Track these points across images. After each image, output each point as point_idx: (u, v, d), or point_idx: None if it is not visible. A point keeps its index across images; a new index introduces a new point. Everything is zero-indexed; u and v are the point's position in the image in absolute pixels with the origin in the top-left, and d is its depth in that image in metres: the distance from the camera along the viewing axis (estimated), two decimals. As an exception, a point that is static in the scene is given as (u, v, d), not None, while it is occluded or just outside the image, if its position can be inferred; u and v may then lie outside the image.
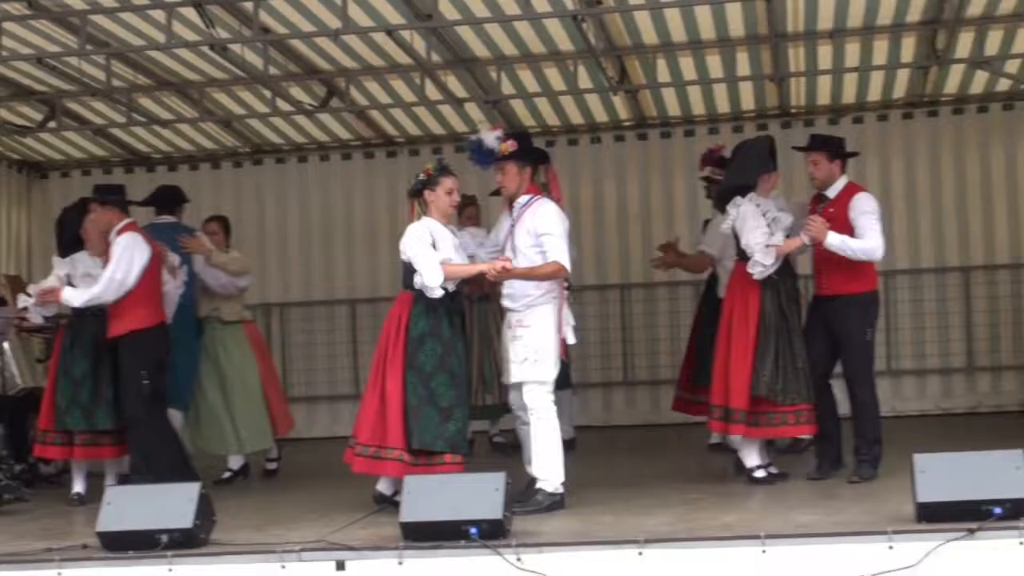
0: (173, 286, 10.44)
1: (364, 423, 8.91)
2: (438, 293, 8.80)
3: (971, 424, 12.64)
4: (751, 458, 9.53)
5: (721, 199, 9.80)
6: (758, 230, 9.38)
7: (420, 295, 8.85)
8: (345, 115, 13.42)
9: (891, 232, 13.12)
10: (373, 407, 8.89)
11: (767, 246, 9.32)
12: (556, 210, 9.14)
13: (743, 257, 9.51)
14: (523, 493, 8.76)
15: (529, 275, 8.89)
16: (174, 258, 10.49)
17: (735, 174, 9.72)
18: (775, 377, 9.31)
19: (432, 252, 8.81)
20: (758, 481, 9.41)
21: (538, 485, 8.89)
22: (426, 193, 9.05)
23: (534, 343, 8.93)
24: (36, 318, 10.80)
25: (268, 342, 14.51)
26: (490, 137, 9.40)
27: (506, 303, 9.07)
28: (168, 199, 11.75)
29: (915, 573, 7.03)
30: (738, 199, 9.53)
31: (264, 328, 14.48)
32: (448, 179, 9.09)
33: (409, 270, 8.91)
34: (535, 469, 8.96)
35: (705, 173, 11.44)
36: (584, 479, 10.07)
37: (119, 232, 10.02)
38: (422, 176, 9.08)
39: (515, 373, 8.98)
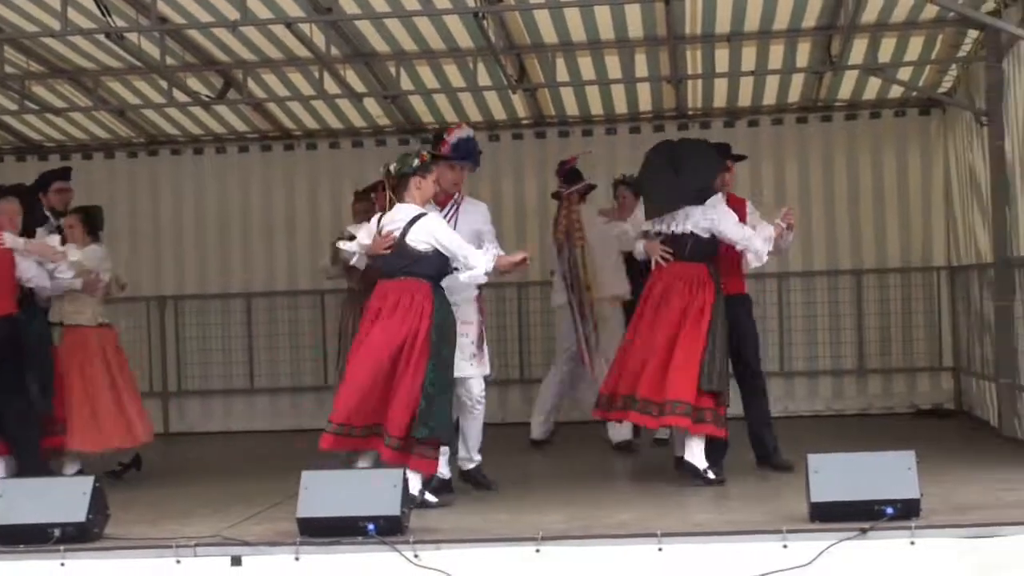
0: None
1: (358, 405, 8.70)
2: (483, 280, 8.92)
3: (862, 425, 12.81)
4: (702, 459, 9.38)
5: (674, 202, 9.76)
6: (742, 225, 9.68)
7: (439, 284, 8.88)
8: (242, 107, 13.32)
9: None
10: (375, 391, 8.69)
11: (766, 238, 9.62)
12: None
13: (695, 257, 9.60)
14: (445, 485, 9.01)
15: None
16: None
17: (698, 177, 9.72)
18: (724, 373, 9.50)
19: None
20: (710, 482, 9.26)
21: (476, 467, 9.35)
22: (415, 179, 8.95)
23: (477, 338, 9.18)
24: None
25: (162, 336, 14.42)
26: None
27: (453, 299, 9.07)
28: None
29: (808, 572, 7.11)
30: (713, 200, 9.63)
31: (158, 321, 14.36)
32: (438, 169, 9.11)
33: (431, 259, 8.83)
34: (477, 453, 9.39)
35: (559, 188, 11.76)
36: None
37: None
38: (416, 161, 8.94)
39: (466, 368, 9.14)
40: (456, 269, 8.88)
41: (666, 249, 9.69)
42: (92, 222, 10.79)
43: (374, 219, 9.13)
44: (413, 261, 8.81)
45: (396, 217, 8.93)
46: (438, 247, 8.80)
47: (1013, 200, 10.81)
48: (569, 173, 11.78)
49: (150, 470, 11.07)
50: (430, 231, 8.82)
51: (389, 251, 8.86)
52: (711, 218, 9.62)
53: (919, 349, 13.81)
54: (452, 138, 9.41)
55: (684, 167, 9.75)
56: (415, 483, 8.52)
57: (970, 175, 12.42)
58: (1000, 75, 11.11)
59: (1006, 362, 11.11)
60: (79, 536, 7.63)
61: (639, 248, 9.95)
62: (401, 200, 8.96)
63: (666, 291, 9.64)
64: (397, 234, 8.86)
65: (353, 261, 9.43)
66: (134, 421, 10.62)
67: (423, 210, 8.92)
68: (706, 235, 9.63)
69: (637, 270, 11.06)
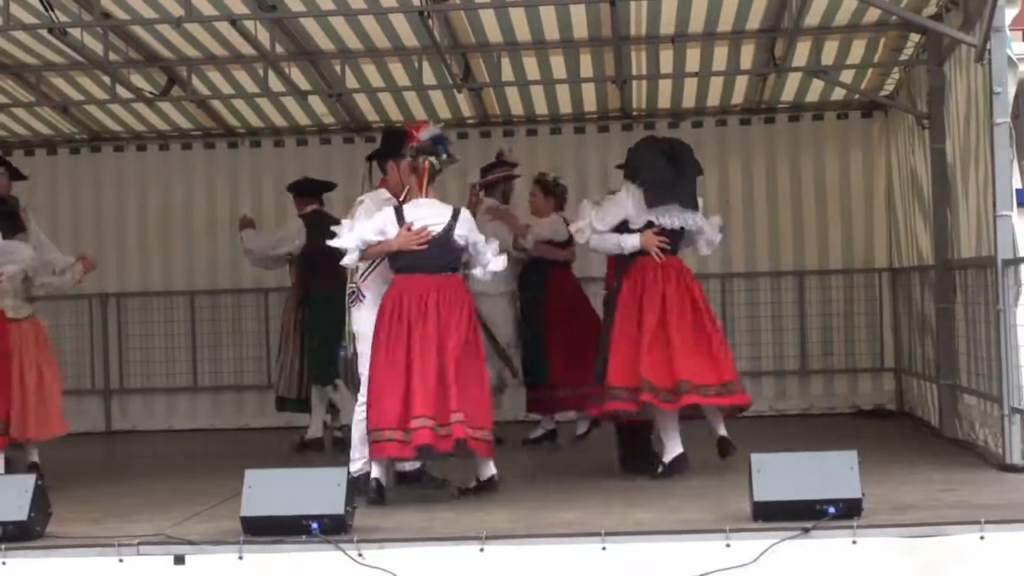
0: None
1: (421, 403, 8.66)
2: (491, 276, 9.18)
3: (804, 425, 12.87)
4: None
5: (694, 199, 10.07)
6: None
7: (465, 279, 9.00)
8: (186, 104, 13.25)
9: (728, 236, 13.40)
10: (431, 387, 8.69)
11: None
12: None
13: (677, 252, 9.91)
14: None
15: None
16: None
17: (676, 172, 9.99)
18: None
19: None
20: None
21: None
22: (405, 163, 9.07)
23: None
24: None
25: (104, 333, 14.33)
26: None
27: None
28: None
29: (751, 571, 7.15)
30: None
31: (100, 319, 14.27)
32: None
33: (463, 254, 8.96)
34: None
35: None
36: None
37: None
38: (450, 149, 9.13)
39: None
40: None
41: (664, 241, 9.80)
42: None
43: (386, 214, 8.98)
44: (456, 256, 8.95)
45: (427, 212, 8.91)
46: (469, 242, 8.95)
47: (954, 203, 10.91)
48: (488, 166, 12.16)
49: (92, 468, 11.01)
50: (471, 227, 8.99)
51: (424, 246, 8.83)
52: (699, 216, 10.01)
53: (861, 350, 13.89)
54: (425, 134, 9.25)
55: (690, 167, 10.08)
56: (488, 470, 8.92)
57: (912, 178, 12.51)
58: (941, 79, 11.19)
59: (947, 364, 11.20)
60: (20, 535, 7.58)
61: (632, 242, 9.80)
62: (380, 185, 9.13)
63: (666, 281, 9.71)
64: (438, 230, 8.85)
65: (348, 260, 9.04)
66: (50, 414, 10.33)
67: (454, 206, 9.07)
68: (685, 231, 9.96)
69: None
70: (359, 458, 9.04)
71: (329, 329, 11.72)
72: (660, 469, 9.57)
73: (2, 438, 9.92)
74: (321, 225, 11.92)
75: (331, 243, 9.03)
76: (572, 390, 11.21)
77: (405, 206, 8.95)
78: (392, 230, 8.88)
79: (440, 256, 8.87)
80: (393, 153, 9.39)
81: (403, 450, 8.70)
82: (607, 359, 9.66)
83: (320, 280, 11.84)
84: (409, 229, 8.83)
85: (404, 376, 8.70)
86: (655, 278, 9.73)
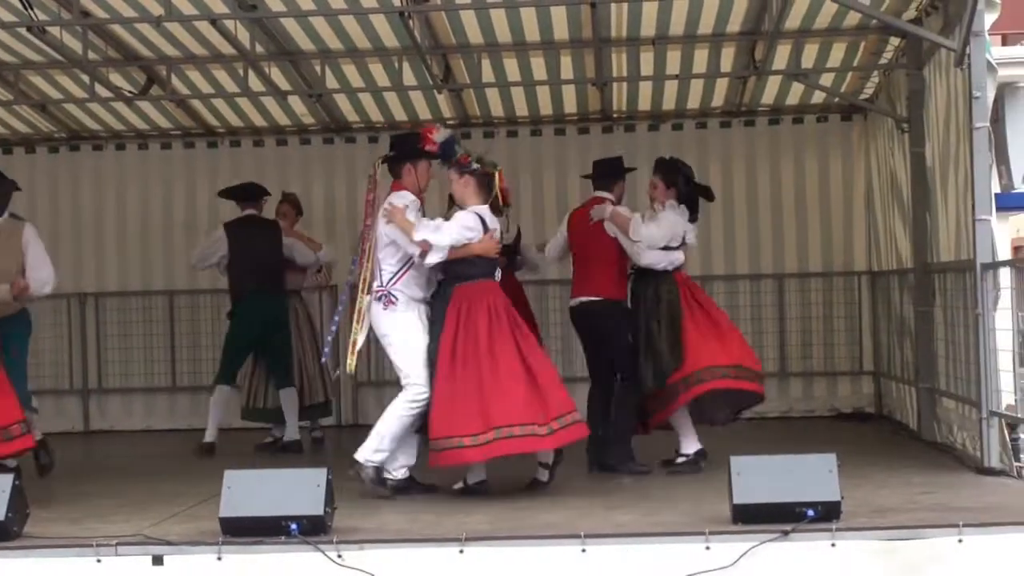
0: None
1: (513, 407, 8.83)
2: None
3: (783, 428, 12.87)
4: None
5: None
6: None
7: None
8: (165, 103, 13.22)
9: (708, 238, 13.46)
10: (521, 388, 8.90)
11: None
12: None
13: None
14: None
15: None
16: None
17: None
18: None
19: None
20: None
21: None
22: (423, 165, 9.31)
23: None
24: None
25: (83, 333, 14.27)
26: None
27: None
28: None
29: (731, 573, 7.17)
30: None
31: (79, 318, 14.22)
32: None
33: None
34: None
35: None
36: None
37: None
38: (460, 151, 9.30)
39: None
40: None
41: None
42: None
43: (472, 217, 9.12)
44: (513, 259, 9.53)
45: (494, 219, 9.24)
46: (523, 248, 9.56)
47: (933, 207, 10.93)
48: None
49: (70, 469, 10.95)
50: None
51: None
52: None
53: (840, 353, 13.92)
54: (439, 136, 9.39)
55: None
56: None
57: (891, 181, 12.54)
58: (921, 82, 11.22)
59: (926, 367, 11.22)
60: (-2, 535, 7.56)
61: (682, 257, 10.39)
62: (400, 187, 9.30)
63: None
64: (498, 234, 9.22)
65: (435, 258, 9.05)
66: None
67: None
68: None
69: None
70: (402, 465, 9.18)
71: (277, 332, 11.82)
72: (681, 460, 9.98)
73: None
74: (250, 230, 11.98)
75: (425, 237, 9.01)
76: None
77: (482, 212, 9.15)
78: (479, 234, 9.08)
79: (499, 260, 9.29)
80: (409, 156, 9.39)
81: (480, 454, 8.87)
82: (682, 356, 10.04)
83: (248, 284, 11.93)
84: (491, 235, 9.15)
85: (490, 384, 8.86)
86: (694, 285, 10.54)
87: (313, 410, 12.38)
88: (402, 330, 9.11)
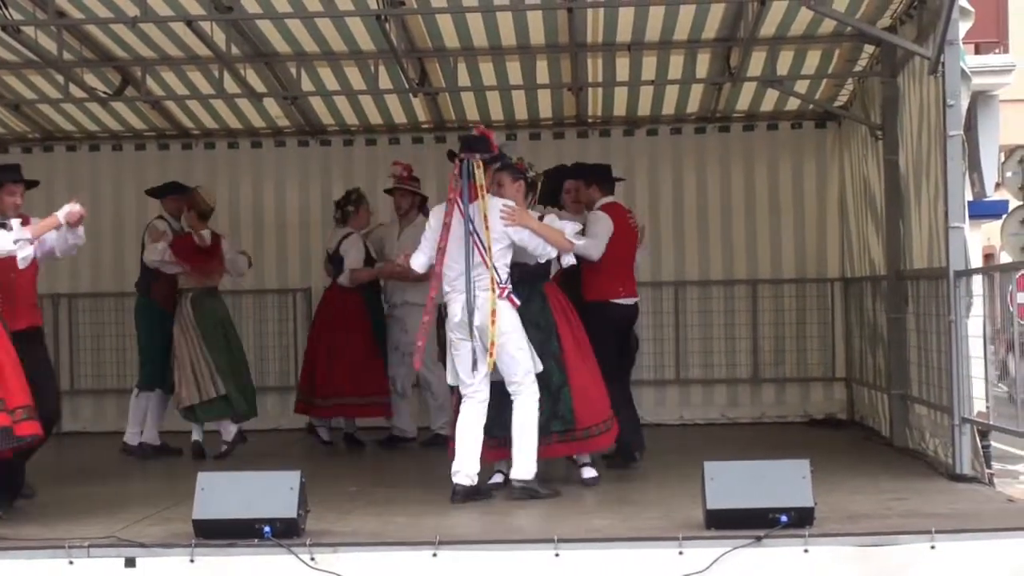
0: None
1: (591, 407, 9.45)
2: None
3: (756, 434, 12.91)
4: None
5: None
6: None
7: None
8: (140, 104, 13.19)
9: (682, 244, 13.48)
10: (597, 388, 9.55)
11: None
12: None
13: None
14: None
15: None
16: None
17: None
18: None
19: None
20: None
21: None
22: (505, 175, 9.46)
23: None
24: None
25: (55, 334, 14.21)
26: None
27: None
28: None
29: (704, 578, 7.20)
30: None
31: (51, 319, 14.14)
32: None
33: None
34: None
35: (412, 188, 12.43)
36: (379, 479, 10.08)
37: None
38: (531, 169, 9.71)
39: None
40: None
41: None
42: None
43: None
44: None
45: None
46: None
47: (906, 214, 10.97)
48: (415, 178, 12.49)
49: (43, 470, 10.88)
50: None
51: None
52: None
53: (813, 359, 13.96)
54: (497, 141, 9.52)
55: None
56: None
57: (865, 188, 12.59)
58: (895, 90, 11.27)
59: (898, 373, 11.26)
60: (-31, 536, 7.53)
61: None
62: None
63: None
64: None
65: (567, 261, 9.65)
66: None
67: None
68: None
69: None
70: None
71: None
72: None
73: None
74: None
75: (575, 242, 9.64)
76: None
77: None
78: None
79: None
80: (492, 159, 9.40)
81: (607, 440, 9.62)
82: None
83: (161, 288, 11.97)
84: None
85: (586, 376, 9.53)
86: None
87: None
88: (520, 329, 9.25)
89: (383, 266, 12.27)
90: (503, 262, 9.21)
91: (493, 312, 9.01)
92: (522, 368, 9.17)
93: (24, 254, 8.85)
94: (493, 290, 9.07)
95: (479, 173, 9.12)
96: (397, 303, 12.45)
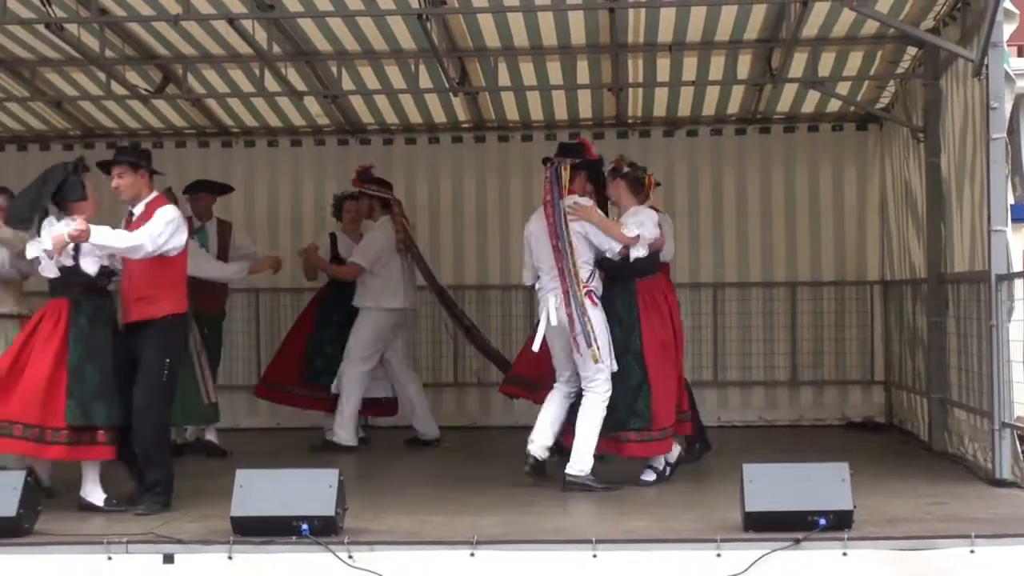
0: None
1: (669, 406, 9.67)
2: None
3: (794, 436, 12.86)
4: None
5: None
6: None
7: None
8: (181, 102, 13.23)
9: (721, 246, 13.44)
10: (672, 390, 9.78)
11: None
12: None
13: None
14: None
15: None
16: None
17: None
18: None
19: None
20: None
21: None
22: (583, 175, 9.84)
23: None
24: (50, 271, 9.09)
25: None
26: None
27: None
28: None
29: (742, 581, 7.18)
30: None
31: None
32: None
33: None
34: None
35: (371, 191, 12.38)
36: (416, 478, 10.07)
37: (153, 203, 9.12)
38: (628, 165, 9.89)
39: None
40: None
41: None
42: None
43: (653, 211, 9.89)
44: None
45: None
46: None
47: (948, 217, 10.92)
48: (379, 179, 12.50)
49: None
50: None
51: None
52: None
53: (851, 362, 13.89)
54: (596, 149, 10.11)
55: None
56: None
57: (906, 191, 12.52)
58: (937, 92, 11.21)
59: (938, 378, 11.20)
60: (9, 531, 7.58)
61: None
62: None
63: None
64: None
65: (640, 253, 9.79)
66: None
67: None
68: None
69: None
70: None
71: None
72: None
73: None
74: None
75: (639, 233, 9.72)
76: None
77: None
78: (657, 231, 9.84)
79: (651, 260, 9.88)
80: (583, 165, 9.89)
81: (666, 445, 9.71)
82: None
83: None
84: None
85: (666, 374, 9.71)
86: None
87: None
88: (602, 326, 9.54)
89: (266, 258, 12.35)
90: (585, 258, 9.58)
91: (583, 307, 9.40)
92: (594, 368, 9.47)
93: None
94: (580, 286, 9.41)
95: (565, 176, 9.62)
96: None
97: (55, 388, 8.59)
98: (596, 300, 9.54)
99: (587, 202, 9.71)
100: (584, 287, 9.47)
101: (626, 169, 9.90)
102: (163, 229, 8.89)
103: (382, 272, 12.16)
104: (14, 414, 8.57)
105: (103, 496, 8.79)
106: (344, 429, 12.06)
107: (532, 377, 10.75)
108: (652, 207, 10.09)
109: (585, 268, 9.56)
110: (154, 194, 9.23)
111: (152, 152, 9.80)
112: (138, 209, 9.13)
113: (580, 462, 9.41)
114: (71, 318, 8.77)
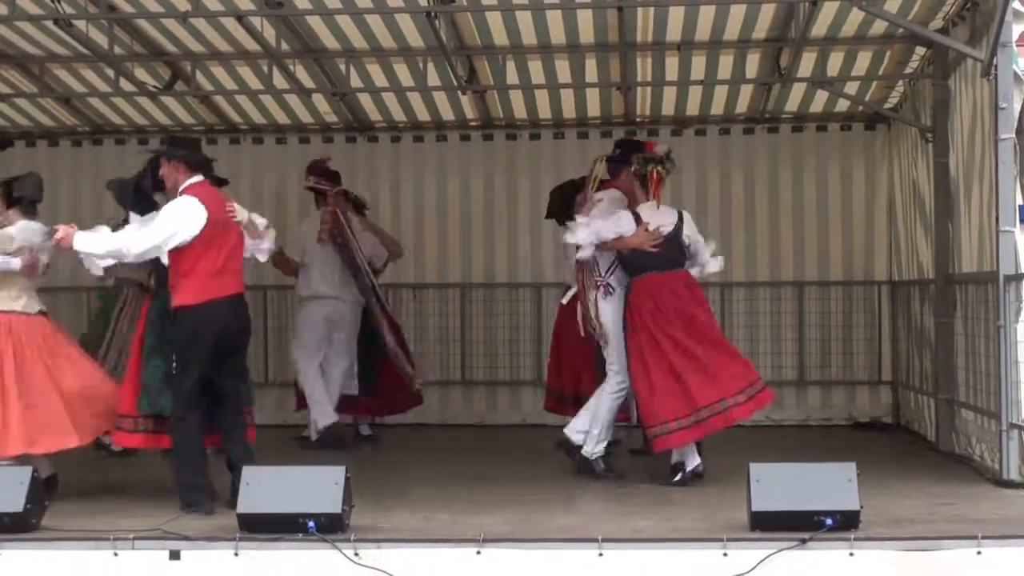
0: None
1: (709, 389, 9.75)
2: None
3: (801, 436, 12.86)
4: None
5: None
6: None
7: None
8: (189, 99, 13.24)
9: (728, 245, 13.43)
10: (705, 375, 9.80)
11: None
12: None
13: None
14: None
15: None
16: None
17: None
18: None
19: None
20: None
21: None
22: (632, 170, 10.08)
23: None
24: (95, 270, 9.37)
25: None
26: None
27: None
28: None
29: (748, 580, 7.18)
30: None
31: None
32: None
33: (683, 251, 10.06)
34: None
35: (310, 183, 12.50)
36: (423, 476, 10.08)
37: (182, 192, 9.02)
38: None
39: None
40: None
41: None
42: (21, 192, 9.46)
43: (625, 215, 9.97)
44: (682, 255, 9.95)
45: (659, 215, 9.93)
46: (692, 242, 10.07)
47: (956, 217, 10.90)
48: (325, 171, 12.55)
49: (87, 462, 10.94)
50: (694, 228, 10.09)
51: (657, 247, 9.85)
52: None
53: (859, 362, 13.88)
54: (660, 150, 10.25)
55: None
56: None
57: (914, 191, 12.51)
58: (946, 92, 11.20)
59: (945, 378, 11.19)
60: (16, 526, 7.59)
61: None
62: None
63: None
64: (668, 230, 9.88)
65: (584, 254, 10.03)
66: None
67: (678, 209, 10.21)
68: None
69: None
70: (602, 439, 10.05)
71: None
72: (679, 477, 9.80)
73: None
74: None
75: (566, 238, 10.15)
76: None
77: (640, 208, 9.95)
78: (630, 229, 9.87)
79: (674, 255, 9.94)
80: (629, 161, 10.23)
81: (689, 435, 9.67)
82: None
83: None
84: (646, 230, 9.82)
85: (677, 370, 9.67)
86: None
87: None
88: (616, 319, 9.98)
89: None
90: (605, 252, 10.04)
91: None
92: (612, 359, 10.02)
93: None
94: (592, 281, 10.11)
95: (597, 168, 10.41)
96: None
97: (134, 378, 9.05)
98: (612, 292, 9.99)
99: (606, 195, 10.19)
100: (600, 280, 10.00)
101: (634, 166, 10.05)
102: (158, 224, 8.82)
103: (309, 263, 12.42)
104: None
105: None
106: (317, 415, 12.20)
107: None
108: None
109: (604, 261, 10.03)
110: (189, 182, 9.06)
111: (199, 140, 9.86)
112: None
113: (577, 429, 10.08)
114: (148, 310, 9.19)
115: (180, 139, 9.56)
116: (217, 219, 8.88)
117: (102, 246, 8.90)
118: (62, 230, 8.85)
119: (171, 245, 8.75)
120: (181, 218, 8.80)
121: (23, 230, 9.22)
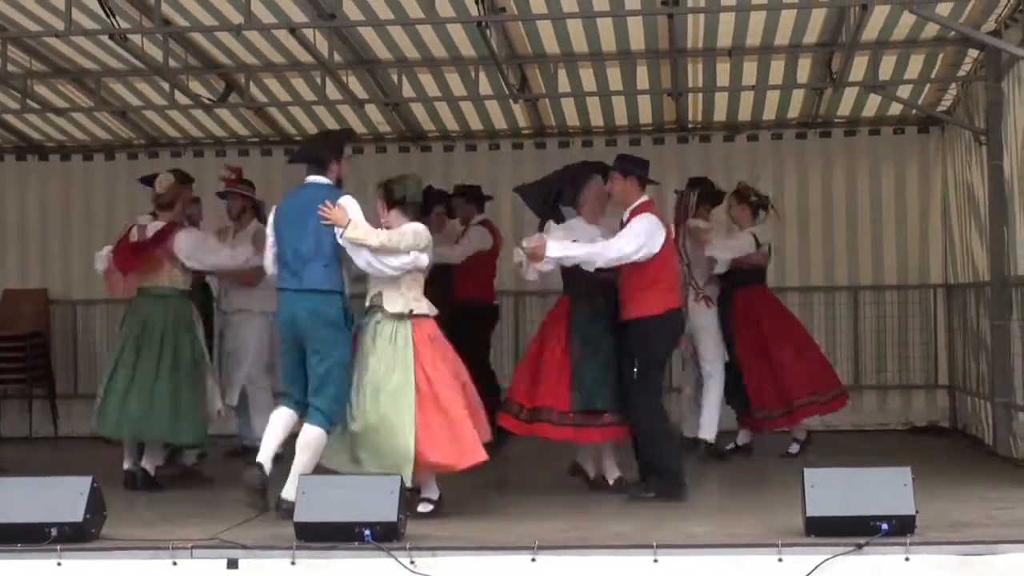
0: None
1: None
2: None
3: (856, 441, 12.80)
4: None
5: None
6: None
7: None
8: (243, 111, 13.34)
9: (782, 250, 13.40)
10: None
11: None
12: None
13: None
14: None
15: None
16: None
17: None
18: None
19: None
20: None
21: None
22: None
23: None
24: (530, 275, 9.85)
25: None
26: None
27: None
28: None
29: (803, 586, 7.16)
30: None
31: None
32: None
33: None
34: None
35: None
36: (477, 484, 10.08)
37: (636, 210, 9.56)
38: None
39: None
40: None
41: None
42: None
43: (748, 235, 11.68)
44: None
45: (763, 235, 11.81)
46: None
47: (1011, 220, 10.85)
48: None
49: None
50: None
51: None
52: None
53: (915, 366, 13.84)
54: None
55: None
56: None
57: (968, 194, 12.45)
58: (999, 95, 11.14)
59: (1002, 381, 11.14)
60: (76, 536, 7.65)
61: None
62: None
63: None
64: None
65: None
66: None
67: None
68: None
69: None
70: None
71: None
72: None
73: None
74: None
75: (713, 253, 11.68)
76: None
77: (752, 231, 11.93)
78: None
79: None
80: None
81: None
82: None
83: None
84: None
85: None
86: None
87: None
88: (711, 324, 11.58)
89: None
90: (699, 270, 11.69)
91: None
92: (710, 360, 11.50)
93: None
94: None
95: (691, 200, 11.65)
96: (231, 310, 12.12)
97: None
98: (711, 304, 11.54)
99: (705, 224, 11.57)
100: (700, 291, 11.48)
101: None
102: (631, 235, 9.46)
103: None
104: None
105: None
106: None
107: None
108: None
109: (700, 277, 11.51)
110: (642, 200, 9.69)
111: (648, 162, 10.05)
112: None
113: (709, 431, 11.32)
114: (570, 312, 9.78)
115: (632, 158, 9.99)
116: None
117: (577, 253, 9.46)
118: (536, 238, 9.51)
119: (639, 256, 9.38)
120: (651, 232, 9.45)
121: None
